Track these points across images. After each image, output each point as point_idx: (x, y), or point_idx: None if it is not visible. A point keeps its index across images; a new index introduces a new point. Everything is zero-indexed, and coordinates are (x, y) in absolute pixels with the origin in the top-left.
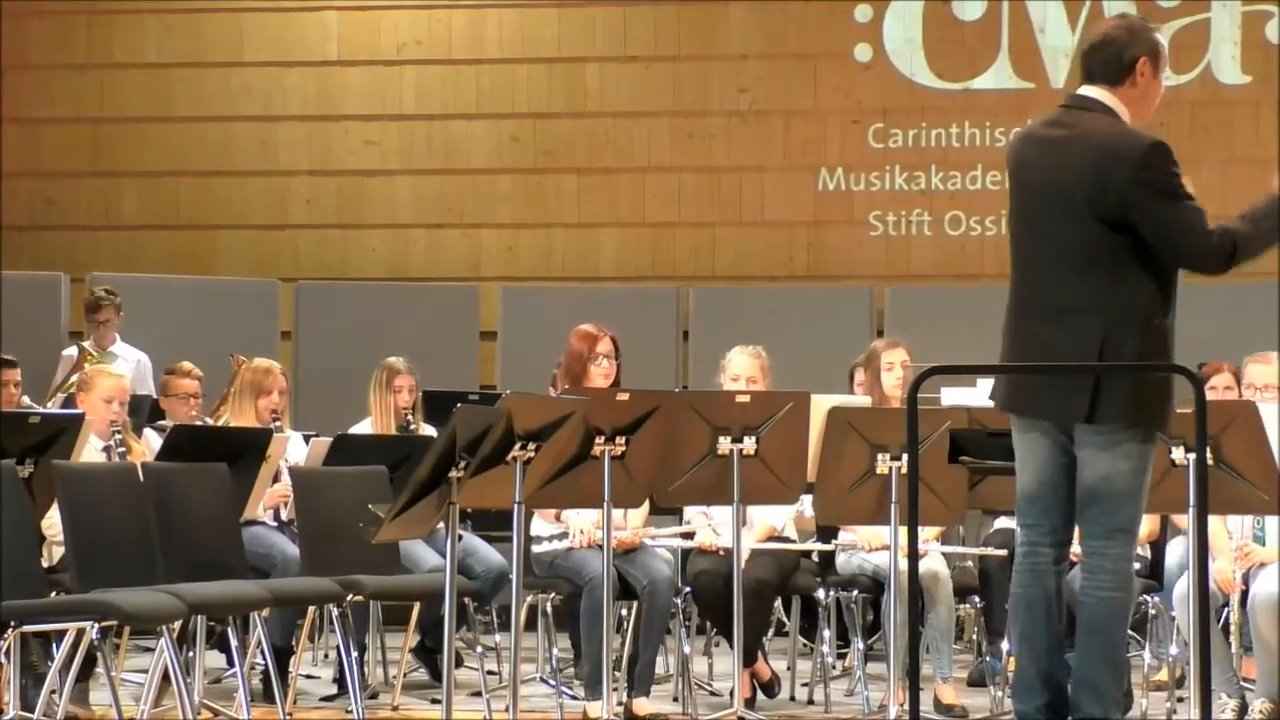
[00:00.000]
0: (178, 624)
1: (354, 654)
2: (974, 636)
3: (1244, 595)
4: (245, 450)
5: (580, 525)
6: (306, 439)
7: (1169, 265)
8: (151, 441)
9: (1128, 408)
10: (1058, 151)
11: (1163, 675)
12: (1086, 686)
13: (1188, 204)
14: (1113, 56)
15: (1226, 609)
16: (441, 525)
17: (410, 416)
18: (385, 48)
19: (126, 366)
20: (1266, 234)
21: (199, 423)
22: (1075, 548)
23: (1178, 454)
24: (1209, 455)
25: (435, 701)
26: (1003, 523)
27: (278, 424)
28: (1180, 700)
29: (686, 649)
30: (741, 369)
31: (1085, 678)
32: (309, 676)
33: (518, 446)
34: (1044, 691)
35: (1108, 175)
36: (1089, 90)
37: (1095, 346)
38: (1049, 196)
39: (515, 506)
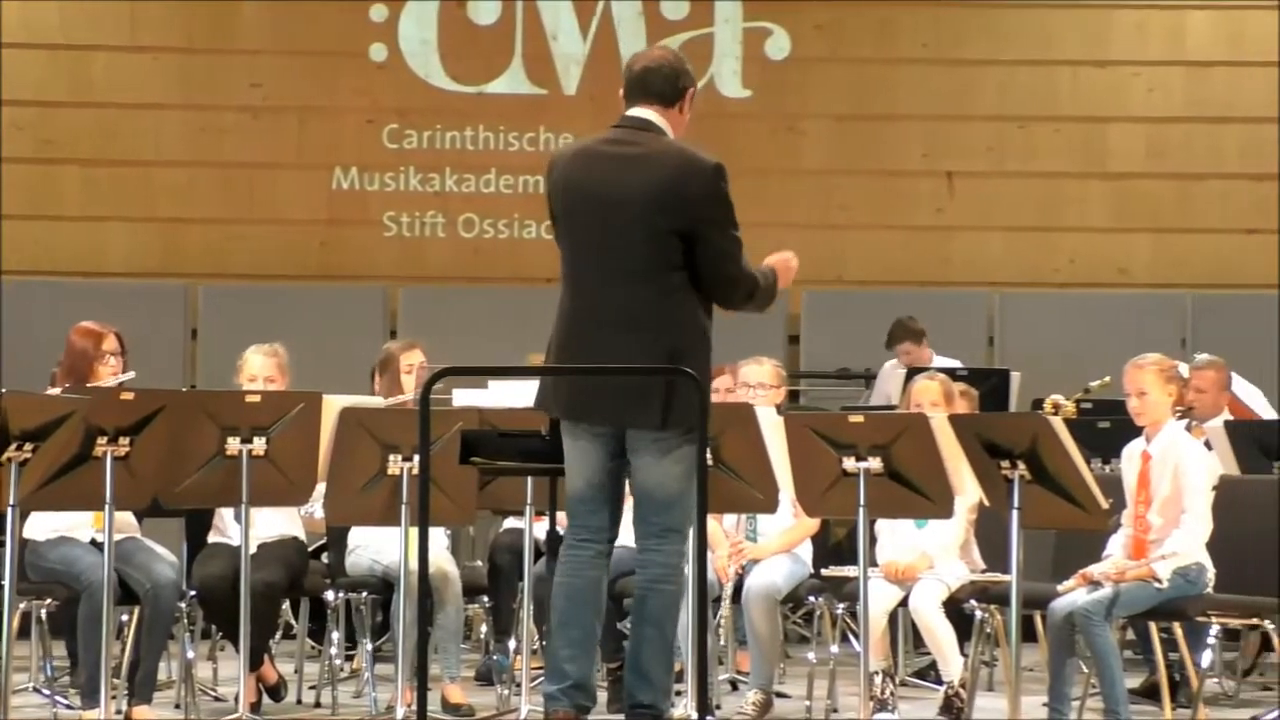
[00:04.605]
0: None
1: None
2: (482, 636)
3: (737, 591)
4: None
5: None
6: None
7: (705, 283)
8: None
9: (685, 413)
10: (628, 168)
11: None
12: (640, 676)
13: (737, 234)
14: (669, 81)
15: (720, 605)
16: None
17: None
18: None
19: None
20: (770, 294)
21: None
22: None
23: None
24: (709, 456)
25: None
26: (512, 523)
27: None
28: (679, 694)
29: (190, 653)
30: (258, 369)
31: (639, 667)
32: None
33: (13, 447)
34: (573, 674)
35: (683, 190)
36: (643, 111)
37: (664, 355)
38: (618, 212)
39: (10, 509)
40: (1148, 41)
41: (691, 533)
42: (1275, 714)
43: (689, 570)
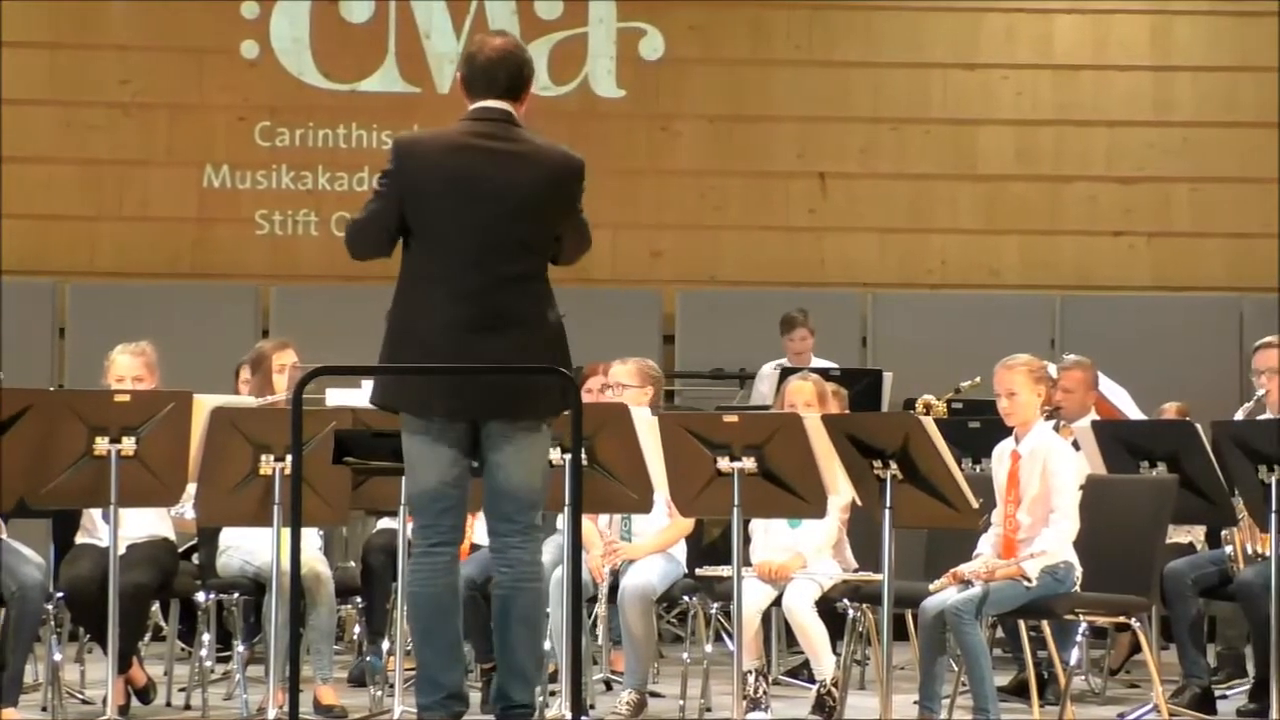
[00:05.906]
0: None
1: None
2: (355, 637)
3: (612, 591)
4: None
5: None
6: None
7: (567, 255)
8: None
9: (558, 407)
10: (509, 164)
11: None
12: (514, 674)
13: None
14: (517, 72)
15: (595, 604)
16: None
17: None
18: None
19: None
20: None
21: None
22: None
23: (554, 455)
24: (584, 456)
25: None
26: (385, 523)
27: None
28: (553, 694)
29: (57, 656)
30: (125, 369)
31: (512, 666)
32: None
33: None
34: (446, 684)
35: (566, 188)
36: (499, 104)
37: (544, 349)
38: (500, 206)
39: None
40: (1016, 45)
41: (565, 532)
42: (1141, 712)
43: (559, 571)
